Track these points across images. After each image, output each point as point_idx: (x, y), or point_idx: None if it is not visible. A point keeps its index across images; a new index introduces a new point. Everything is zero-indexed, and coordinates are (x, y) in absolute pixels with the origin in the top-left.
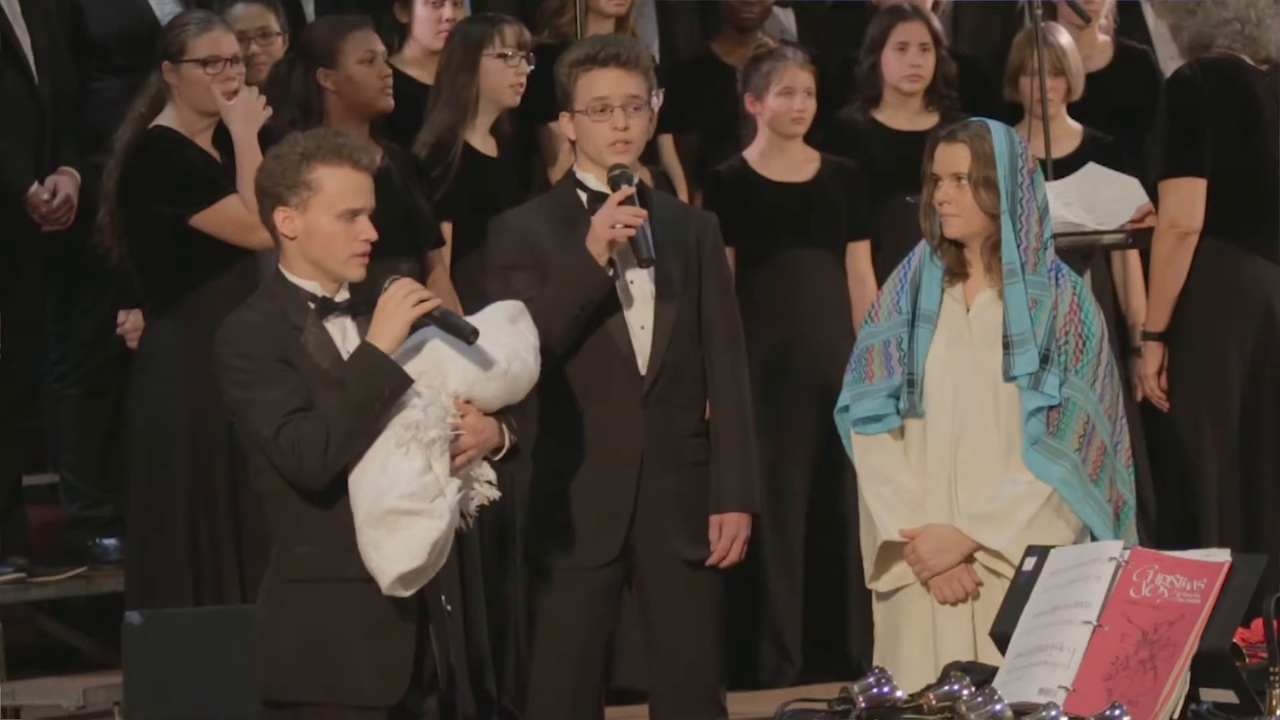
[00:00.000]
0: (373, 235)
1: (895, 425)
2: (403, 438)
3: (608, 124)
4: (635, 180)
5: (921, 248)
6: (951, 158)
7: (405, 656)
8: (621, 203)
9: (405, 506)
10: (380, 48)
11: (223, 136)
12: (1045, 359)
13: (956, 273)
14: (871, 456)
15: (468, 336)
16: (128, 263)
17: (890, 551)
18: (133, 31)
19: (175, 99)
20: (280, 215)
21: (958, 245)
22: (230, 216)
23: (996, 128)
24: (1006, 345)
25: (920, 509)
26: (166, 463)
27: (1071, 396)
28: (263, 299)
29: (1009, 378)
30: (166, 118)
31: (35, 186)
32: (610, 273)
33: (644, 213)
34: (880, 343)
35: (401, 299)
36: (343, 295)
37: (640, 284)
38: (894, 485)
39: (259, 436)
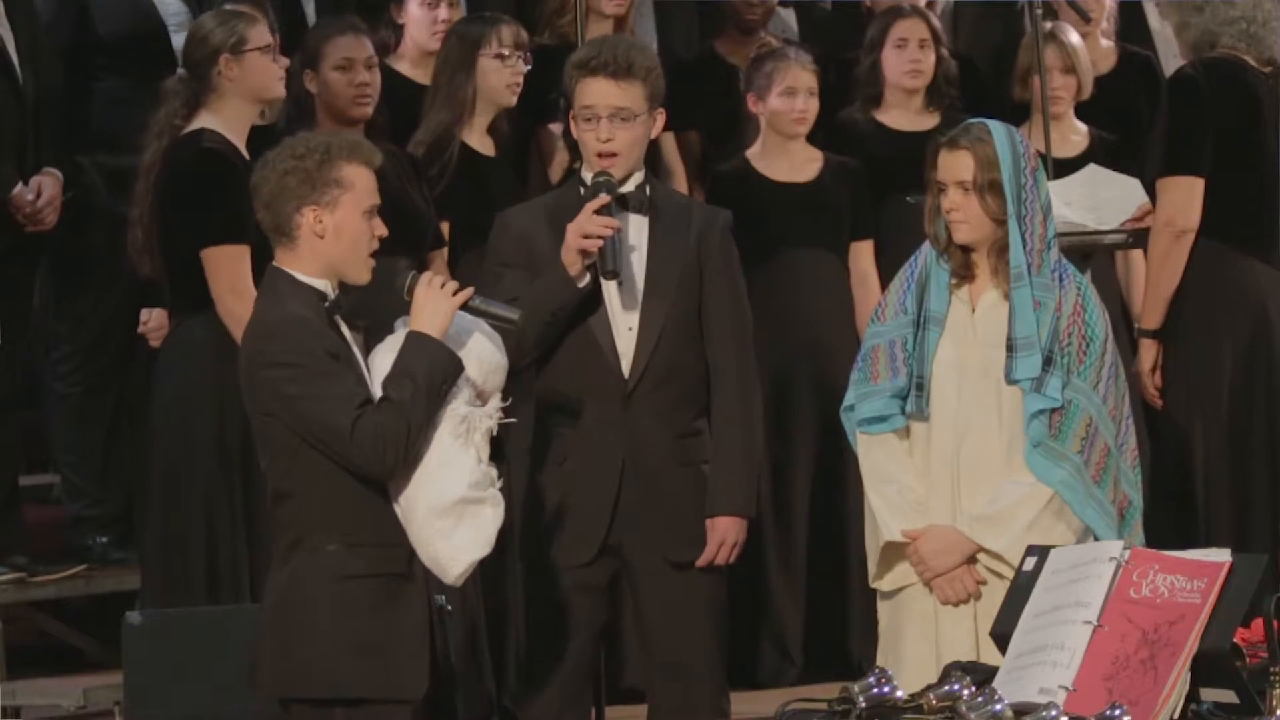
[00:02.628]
0: (384, 232)
1: (900, 425)
2: (458, 429)
3: (591, 134)
4: (617, 190)
5: (927, 248)
6: (955, 165)
7: (428, 649)
8: (598, 212)
9: (474, 496)
10: (362, 54)
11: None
12: (1048, 361)
13: (963, 275)
14: (875, 456)
15: (516, 321)
16: (159, 267)
17: (893, 551)
18: (138, 32)
19: (225, 94)
20: (310, 214)
21: (964, 249)
22: (227, 267)
23: (997, 128)
24: (1010, 348)
25: (924, 509)
26: (203, 463)
27: (1074, 399)
28: (284, 298)
29: (1011, 381)
30: (207, 120)
31: (19, 187)
32: (582, 282)
33: (615, 223)
34: (886, 343)
35: (439, 289)
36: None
37: (630, 285)
38: (897, 485)
39: (328, 430)
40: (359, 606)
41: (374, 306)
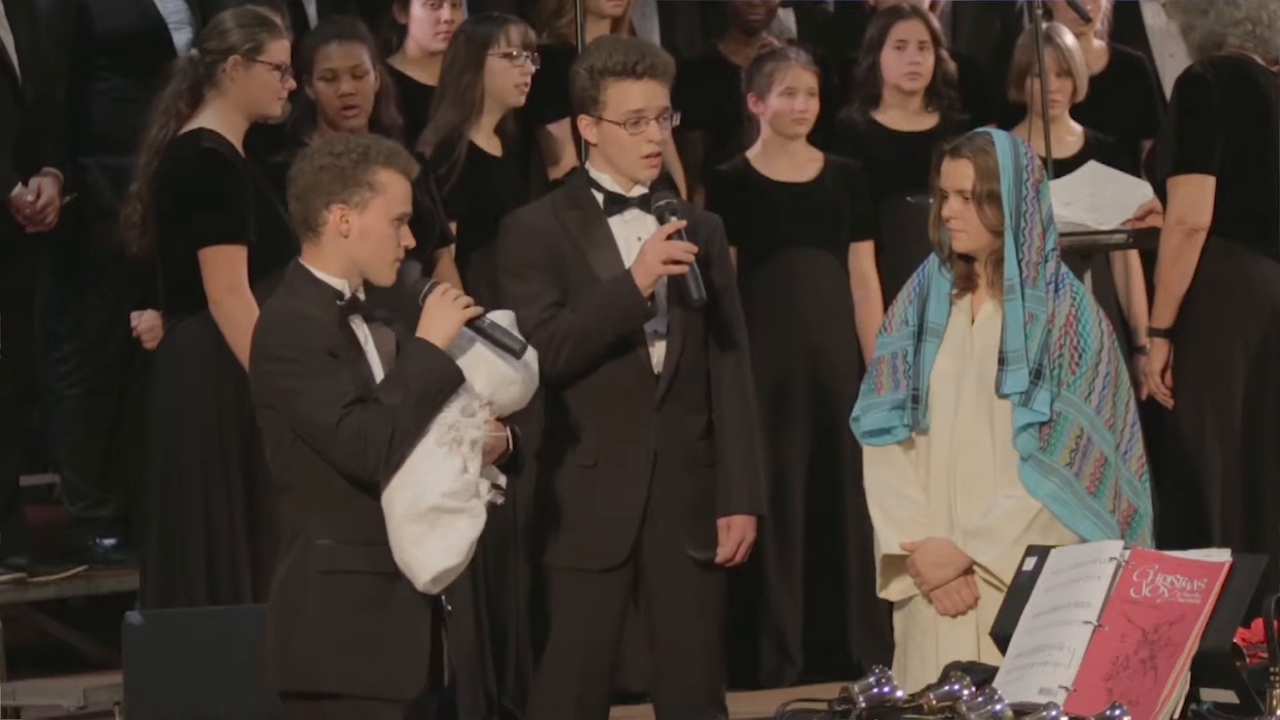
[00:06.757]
0: (411, 242)
1: (903, 437)
2: (444, 437)
3: (642, 137)
4: (679, 210)
5: (932, 258)
6: (956, 174)
7: (425, 651)
8: (670, 236)
9: (449, 505)
10: (347, 64)
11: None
12: (1038, 374)
13: (965, 285)
14: (878, 469)
15: (517, 352)
16: (158, 263)
17: (895, 563)
18: (138, 31)
19: (225, 94)
20: (337, 212)
21: (965, 258)
22: (224, 267)
23: (1001, 139)
24: (1001, 361)
25: (925, 522)
26: (202, 463)
27: (1064, 411)
28: (294, 293)
29: (1000, 394)
30: (208, 119)
31: (19, 188)
32: (651, 304)
33: (695, 248)
34: (889, 354)
35: (451, 300)
36: (360, 295)
37: (657, 289)
38: (897, 498)
39: (315, 426)
40: (346, 602)
41: (397, 303)
